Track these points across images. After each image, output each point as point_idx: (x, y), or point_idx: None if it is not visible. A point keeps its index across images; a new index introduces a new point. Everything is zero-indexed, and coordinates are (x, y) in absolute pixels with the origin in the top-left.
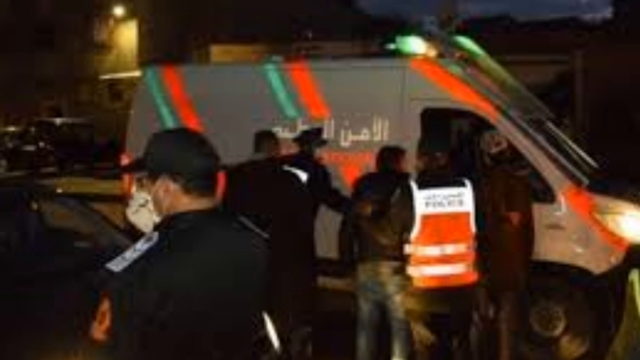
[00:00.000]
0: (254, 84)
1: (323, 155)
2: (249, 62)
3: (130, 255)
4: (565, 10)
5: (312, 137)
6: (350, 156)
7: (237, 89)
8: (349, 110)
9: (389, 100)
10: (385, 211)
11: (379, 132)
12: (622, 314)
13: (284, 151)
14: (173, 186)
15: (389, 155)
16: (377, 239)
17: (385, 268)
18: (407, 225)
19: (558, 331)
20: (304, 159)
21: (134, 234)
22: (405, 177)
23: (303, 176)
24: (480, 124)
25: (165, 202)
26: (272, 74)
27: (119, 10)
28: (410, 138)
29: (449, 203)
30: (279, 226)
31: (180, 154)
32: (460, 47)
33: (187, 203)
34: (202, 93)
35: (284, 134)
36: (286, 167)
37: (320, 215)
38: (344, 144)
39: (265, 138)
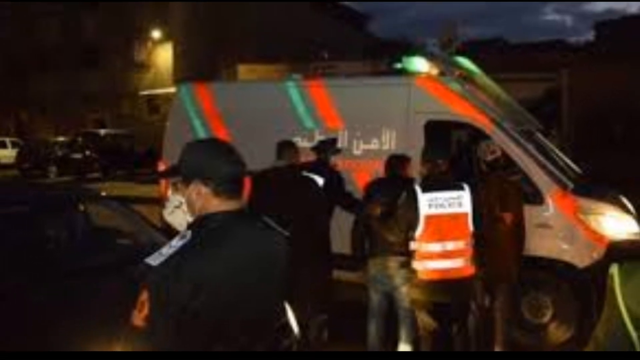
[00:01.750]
0: (276, 99)
1: (337, 162)
2: (271, 79)
3: (167, 251)
4: (552, 33)
5: (327, 146)
6: (362, 163)
7: (261, 103)
8: (361, 122)
9: (396, 113)
10: (393, 212)
11: (387, 142)
12: (603, 303)
13: (303, 159)
14: (204, 190)
15: (396, 162)
16: (385, 236)
17: (393, 262)
18: (412, 225)
19: (546, 319)
20: (321, 166)
21: (170, 232)
22: (411, 181)
23: (320, 181)
24: (477, 135)
25: (198, 204)
26: (292, 90)
27: (156, 34)
28: (415, 147)
29: (450, 205)
30: (299, 226)
31: (210, 161)
32: (460, 66)
33: (217, 205)
34: (230, 107)
35: (302, 143)
36: (305, 173)
37: (335, 215)
38: (356, 152)
39: (286, 147)
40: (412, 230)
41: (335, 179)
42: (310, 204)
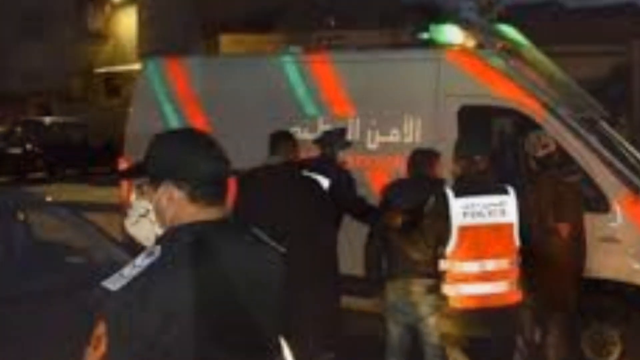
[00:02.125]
0: (269, 78)
1: (347, 158)
2: (263, 53)
3: (130, 272)
4: None
5: (334, 139)
6: (378, 160)
7: (250, 84)
8: (377, 108)
9: (422, 96)
10: (418, 222)
11: (411, 133)
12: None
13: (303, 154)
14: (177, 194)
15: (422, 158)
16: (408, 253)
17: (418, 286)
18: (442, 238)
19: (613, 358)
20: (326, 163)
21: (134, 247)
22: (440, 183)
23: (324, 182)
24: (525, 124)
25: (169, 211)
26: (290, 66)
27: None
28: (445, 139)
29: (490, 213)
30: (298, 239)
31: (185, 157)
32: (503, 37)
33: (194, 213)
34: (210, 88)
35: (303, 134)
36: (305, 173)
37: (343, 226)
38: (371, 146)
39: (281, 139)
40: (443, 245)
41: (344, 179)
42: (313, 211)
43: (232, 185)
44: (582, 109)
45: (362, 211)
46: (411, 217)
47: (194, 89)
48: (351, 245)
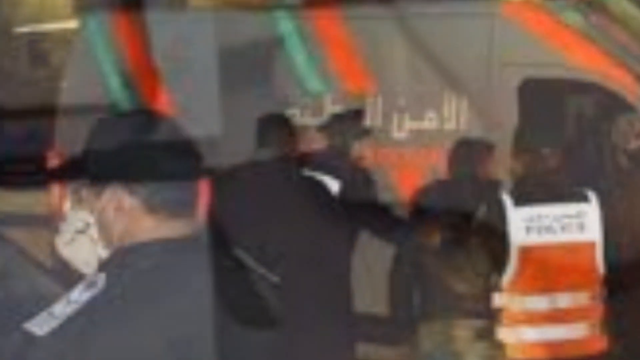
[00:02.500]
0: (256, 40)
1: (365, 152)
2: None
3: (63, 310)
4: None
5: (347, 125)
6: (408, 154)
7: (229, 48)
8: (406, 83)
9: (469, 66)
10: (463, 241)
11: (453, 117)
12: None
13: (304, 146)
14: (129, 201)
15: (469, 152)
16: (449, 284)
17: (463, 330)
18: (497, 263)
19: None
20: (335, 159)
21: (68, 275)
22: (495, 187)
23: (334, 185)
24: (612, 104)
25: (117, 226)
26: (285, 24)
27: None
28: (501, 126)
29: (563, 228)
30: (296, 264)
31: (139, 151)
32: None
33: (151, 228)
34: (174, 54)
35: (303, 118)
36: (307, 172)
37: (360, 246)
38: (398, 135)
39: (273, 126)
40: (497, 272)
41: (360, 181)
42: (317, 225)
43: (204, 189)
44: None
45: (386, 225)
46: (454, 234)
47: (152, 56)
48: (370, 272)
